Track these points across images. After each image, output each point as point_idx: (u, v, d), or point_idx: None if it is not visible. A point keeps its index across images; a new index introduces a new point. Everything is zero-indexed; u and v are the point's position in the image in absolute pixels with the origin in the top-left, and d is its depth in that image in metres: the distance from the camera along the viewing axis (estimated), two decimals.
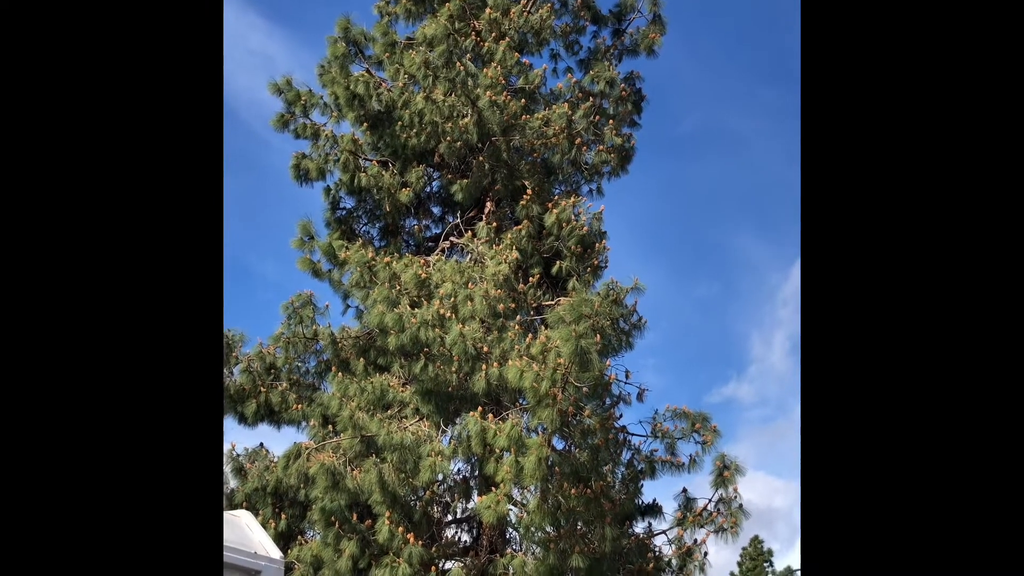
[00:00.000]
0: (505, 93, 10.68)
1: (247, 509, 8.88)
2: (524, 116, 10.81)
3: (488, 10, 11.37)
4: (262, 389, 10.67)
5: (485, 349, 9.11)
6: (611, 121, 11.57)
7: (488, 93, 10.48)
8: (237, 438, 13.72)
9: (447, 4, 11.30)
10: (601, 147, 11.41)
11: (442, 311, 9.36)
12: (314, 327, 10.93)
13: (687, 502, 9.56)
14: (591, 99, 11.55)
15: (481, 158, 10.95)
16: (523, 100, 10.92)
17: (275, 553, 4.49)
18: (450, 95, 10.76)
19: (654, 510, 10.18)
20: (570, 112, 11.03)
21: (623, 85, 11.91)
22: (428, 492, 9.44)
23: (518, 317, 9.86)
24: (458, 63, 10.72)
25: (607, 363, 8.87)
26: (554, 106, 11.26)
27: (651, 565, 9.01)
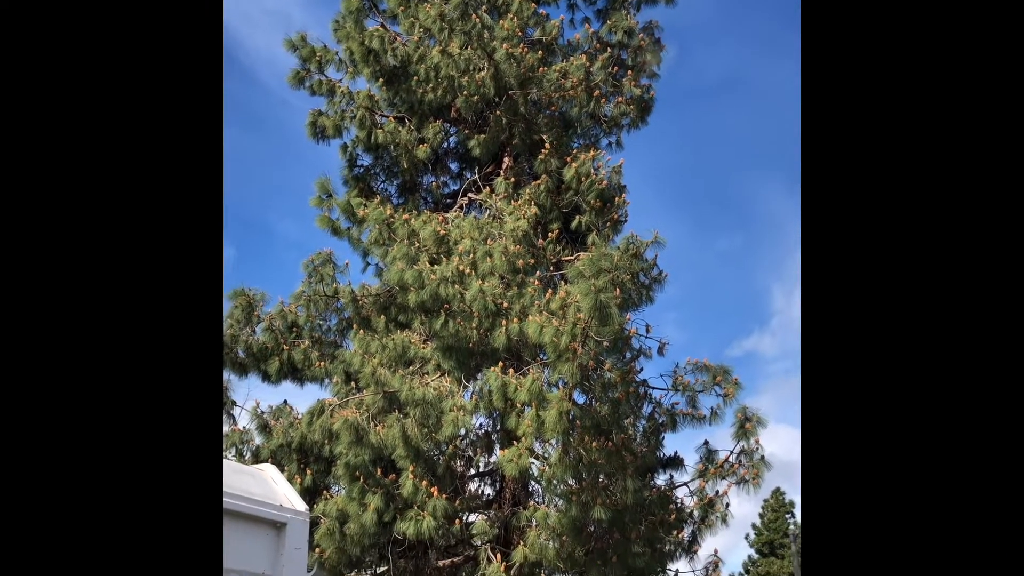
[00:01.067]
0: (522, 45, 10.51)
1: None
2: (541, 68, 10.65)
3: None
4: (285, 347, 10.76)
5: (505, 305, 9.10)
6: (630, 72, 11.37)
7: (505, 45, 10.32)
8: (261, 395, 13.93)
9: None
10: (620, 99, 11.23)
11: (461, 267, 9.35)
12: (334, 285, 10.96)
13: (709, 454, 9.58)
14: (609, 50, 11.35)
15: (498, 112, 10.82)
16: (540, 52, 10.75)
17: (300, 506, 4.56)
18: (466, 48, 10.60)
19: (675, 462, 10.23)
20: (588, 63, 10.84)
21: (641, 35, 11.69)
22: (451, 446, 9.53)
23: (537, 272, 9.83)
24: (474, 15, 10.54)
25: (627, 317, 8.84)
26: (572, 58, 11.07)
27: (673, 516, 9.08)
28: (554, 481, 8.57)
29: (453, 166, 12.45)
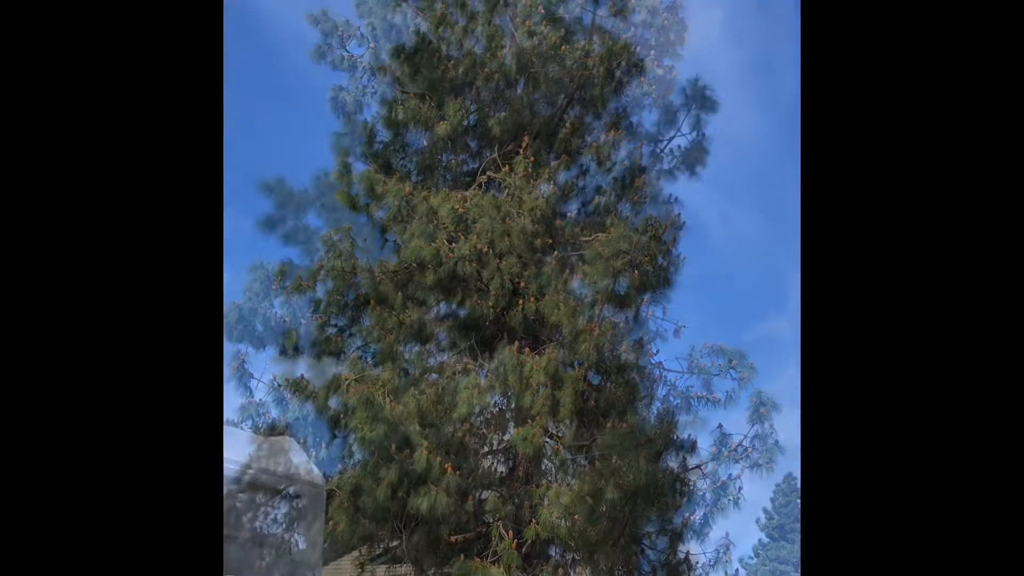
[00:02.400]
0: (544, 23, 10.43)
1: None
2: (563, 47, 10.57)
3: None
4: (302, 321, 10.82)
5: (522, 284, 9.10)
6: (653, 52, 11.27)
7: (527, 23, 10.25)
8: (278, 369, 13.99)
9: None
10: (642, 79, 11.14)
11: (479, 246, 9.35)
12: (352, 260, 10.98)
13: (722, 438, 9.59)
14: (632, 29, 11.24)
15: (519, 90, 10.77)
16: (562, 30, 10.67)
17: (317, 478, 4.60)
18: (488, 25, 10.53)
19: (689, 445, 10.21)
20: (610, 42, 10.74)
21: (665, 14, 11.56)
22: (465, 424, 9.57)
23: (555, 252, 9.82)
24: None
25: (644, 299, 8.83)
26: (594, 36, 10.98)
27: (685, 498, 9.10)
28: (567, 460, 8.61)
29: (472, 144, 12.40)
